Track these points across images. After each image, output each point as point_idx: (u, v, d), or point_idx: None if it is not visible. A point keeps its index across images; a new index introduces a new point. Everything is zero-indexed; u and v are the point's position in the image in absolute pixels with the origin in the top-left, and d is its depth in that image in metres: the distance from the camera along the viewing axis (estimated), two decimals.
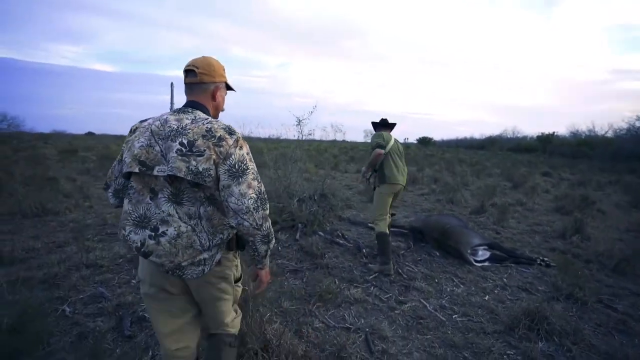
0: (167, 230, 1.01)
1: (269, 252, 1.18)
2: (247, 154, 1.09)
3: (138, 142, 1.05)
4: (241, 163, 1.05)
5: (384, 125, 3.16)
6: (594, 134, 25.59)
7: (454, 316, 2.31)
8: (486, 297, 2.59)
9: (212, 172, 1.02)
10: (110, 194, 1.19)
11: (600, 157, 18.38)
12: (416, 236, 3.84)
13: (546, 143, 25.00)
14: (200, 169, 1.00)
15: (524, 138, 32.61)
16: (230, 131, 1.07)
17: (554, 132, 26.40)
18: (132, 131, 1.12)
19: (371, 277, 2.84)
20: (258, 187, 1.08)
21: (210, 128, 1.04)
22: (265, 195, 1.10)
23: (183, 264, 1.03)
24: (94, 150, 14.31)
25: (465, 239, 3.31)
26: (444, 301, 2.51)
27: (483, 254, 3.31)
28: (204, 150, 1.00)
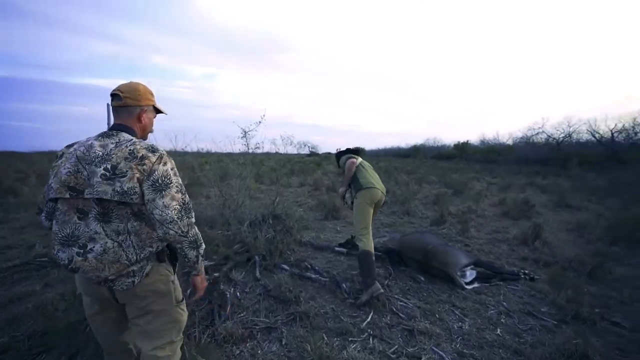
0: (94, 247, 1.06)
1: (200, 258, 1.23)
2: (172, 169, 1.15)
3: (64, 169, 1.08)
4: (164, 177, 1.11)
5: (350, 153, 3.32)
6: (498, 141, 29.59)
7: None
8: (498, 331, 2.23)
9: (137, 190, 1.08)
10: (44, 217, 1.20)
11: (506, 162, 21.03)
12: (393, 259, 3.41)
13: (462, 151, 27.93)
14: (125, 188, 1.06)
15: (444, 146, 36.12)
16: (153, 149, 1.13)
17: (467, 141, 29.79)
18: (59, 157, 1.16)
19: (365, 323, 2.27)
20: (182, 198, 1.13)
21: (133, 150, 1.10)
22: (190, 205, 1.16)
23: (110, 277, 1.08)
24: None
25: (452, 260, 2.98)
26: (458, 345, 2.07)
27: (471, 274, 3.01)
28: (127, 171, 1.07)
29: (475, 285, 2.91)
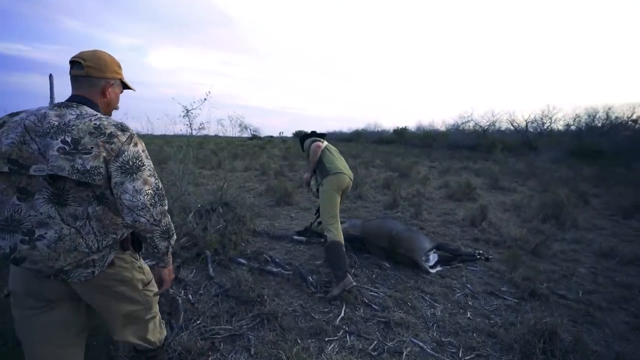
0: (45, 233, 0.94)
1: (170, 249, 1.14)
2: (143, 151, 1.05)
3: (7, 139, 0.93)
4: (136, 159, 1.01)
5: (316, 136, 3.10)
6: (433, 128, 31.74)
7: (459, 354, 1.82)
8: (468, 314, 2.23)
9: (102, 171, 0.97)
10: None
11: (441, 147, 22.65)
12: (356, 246, 3.29)
13: (401, 136, 29.37)
14: (88, 167, 0.94)
15: (384, 131, 37.62)
16: (123, 128, 1.03)
17: (405, 126, 31.39)
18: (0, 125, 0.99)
19: (339, 319, 2.09)
20: (155, 183, 1.05)
21: (100, 125, 0.98)
22: (163, 192, 1.07)
23: (65, 268, 0.97)
24: None
25: (417, 245, 2.95)
26: (434, 333, 2.01)
27: (433, 257, 3.03)
28: (92, 148, 0.94)
29: (438, 268, 2.94)
